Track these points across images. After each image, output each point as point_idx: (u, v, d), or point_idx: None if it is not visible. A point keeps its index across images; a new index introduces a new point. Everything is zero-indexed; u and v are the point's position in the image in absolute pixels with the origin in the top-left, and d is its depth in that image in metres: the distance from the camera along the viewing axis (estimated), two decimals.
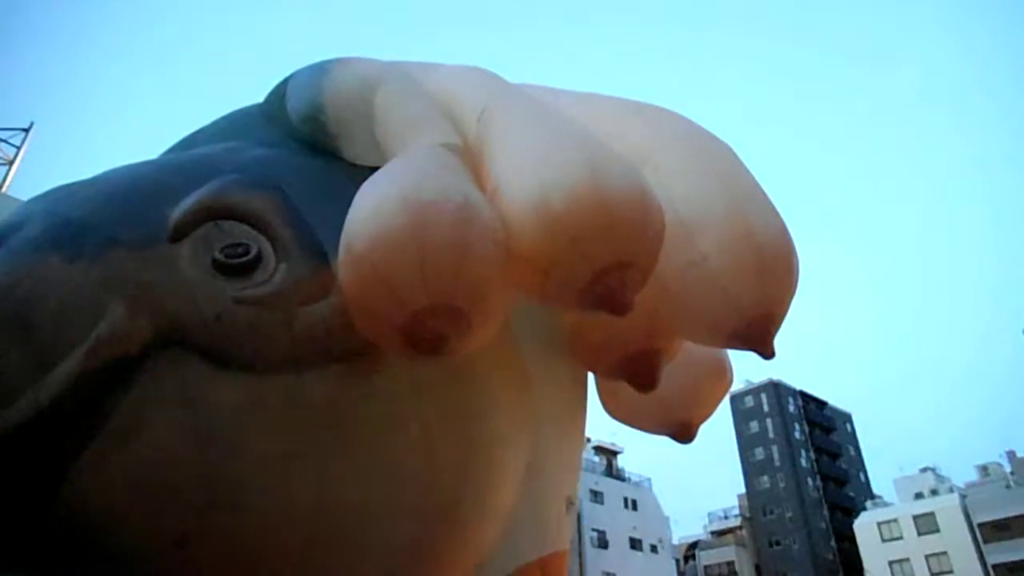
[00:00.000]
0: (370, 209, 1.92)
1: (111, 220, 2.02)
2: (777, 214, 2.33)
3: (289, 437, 1.91)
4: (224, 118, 3.39)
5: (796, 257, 2.29)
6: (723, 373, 3.07)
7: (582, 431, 3.35)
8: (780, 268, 2.21)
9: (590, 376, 3.21)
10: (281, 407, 1.92)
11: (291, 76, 3.11)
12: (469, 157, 2.36)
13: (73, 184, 2.30)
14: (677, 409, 3.00)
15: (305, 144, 2.85)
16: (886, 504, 59.15)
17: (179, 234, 2.01)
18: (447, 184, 1.99)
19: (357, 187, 2.10)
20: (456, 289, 1.84)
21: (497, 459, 2.41)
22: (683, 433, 3.02)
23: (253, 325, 1.91)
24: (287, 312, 1.97)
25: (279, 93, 3.08)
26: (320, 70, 2.96)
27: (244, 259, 1.98)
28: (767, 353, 2.20)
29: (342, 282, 1.97)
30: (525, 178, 2.03)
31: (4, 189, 23.10)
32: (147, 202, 2.13)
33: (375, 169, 2.31)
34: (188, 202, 2.09)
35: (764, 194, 2.40)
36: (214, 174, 2.26)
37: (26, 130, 24.97)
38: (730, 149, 2.56)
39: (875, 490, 68.27)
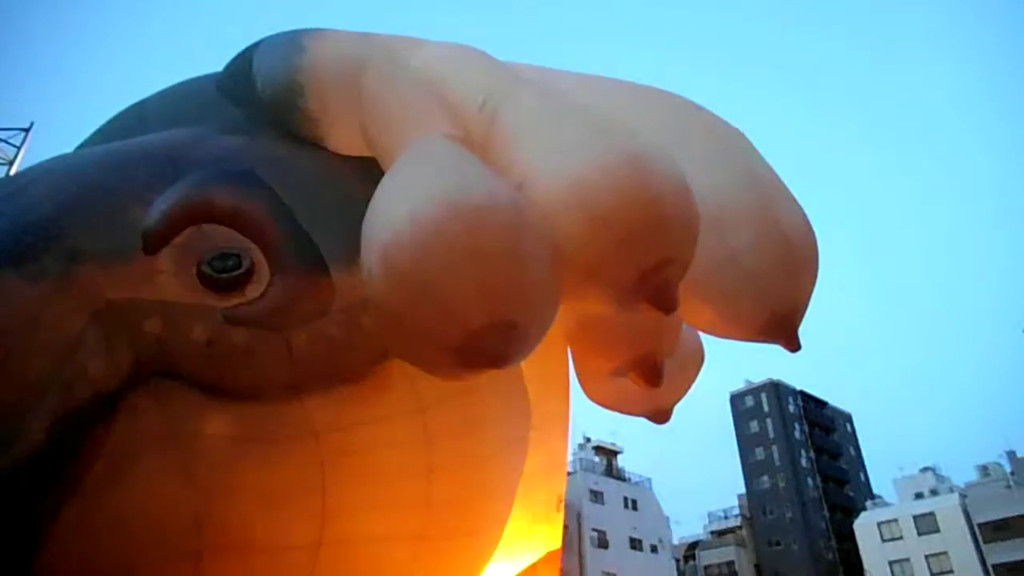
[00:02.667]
0: (411, 216, 1.67)
1: (73, 226, 1.70)
2: (800, 205, 2.28)
3: (291, 470, 1.75)
4: (173, 92, 2.95)
5: (818, 250, 2.24)
6: (699, 358, 3.09)
7: (568, 426, 3.34)
8: (807, 262, 2.19)
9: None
10: (281, 437, 1.73)
11: (255, 49, 2.69)
12: (471, 149, 2.16)
13: (16, 178, 1.90)
14: (657, 395, 3.00)
15: (280, 130, 2.48)
16: (886, 504, 58.99)
17: (157, 243, 1.76)
18: (493, 185, 1.81)
19: (352, 183, 1.98)
20: (517, 304, 1.69)
21: (498, 471, 2.36)
22: (661, 415, 3.02)
23: (249, 349, 1.70)
24: (287, 332, 1.76)
25: (243, 69, 2.68)
26: (294, 46, 2.57)
27: (236, 272, 1.73)
28: (794, 346, 2.17)
29: (377, 298, 1.72)
30: (561, 174, 1.86)
31: None
32: (112, 202, 1.83)
33: (365, 160, 2.14)
34: (164, 203, 1.80)
35: (784, 184, 2.35)
36: (186, 167, 1.94)
37: (26, 130, 24.88)
38: (744, 136, 2.49)
39: (875, 490, 68.06)
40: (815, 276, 2.27)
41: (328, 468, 1.80)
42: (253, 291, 1.77)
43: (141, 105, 2.84)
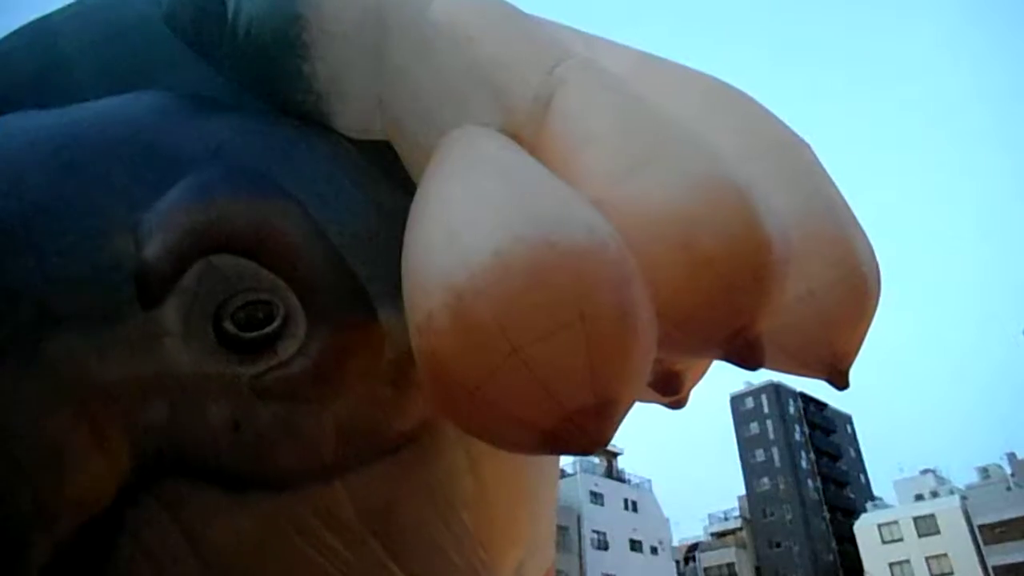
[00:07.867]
0: (496, 253, 1.23)
1: (34, 273, 1.18)
2: (864, 232, 2.04)
3: (330, 564, 1.42)
4: (97, 25, 1.98)
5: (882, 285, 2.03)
6: None
7: None
8: (876, 300, 1.96)
9: None
10: (321, 527, 1.39)
11: None
12: (522, 144, 1.71)
13: None
14: None
15: (272, 101, 1.81)
16: (886, 506, 59.16)
17: (160, 289, 1.23)
18: (591, 218, 1.37)
19: (377, 183, 1.60)
20: (624, 379, 1.32)
21: (531, 512, 2.23)
22: (677, 403, 2.85)
23: (287, 426, 1.30)
24: (331, 399, 1.35)
25: (213, 7, 1.87)
26: None
27: (268, 329, 1.28)
28: (844, 384, 1.93)
29: (436, 356, 1.28)
30: (653, 201, 1.47)
31: None
32: (87, 228, 1.24)
33: (376, 145, 1.75)
34: (161, 226, 1.24)
35: (850, 207, 2.08)
36: (175, 163, 1.36)
37: None
38: (812, 149, 2.15)
39: (875, 492, 68.33)
40: (875, 313, 2.06)
41: (372, 555, 1.48)
42: (287, 348, 1.31)
43: (51, 36, 1.99)
